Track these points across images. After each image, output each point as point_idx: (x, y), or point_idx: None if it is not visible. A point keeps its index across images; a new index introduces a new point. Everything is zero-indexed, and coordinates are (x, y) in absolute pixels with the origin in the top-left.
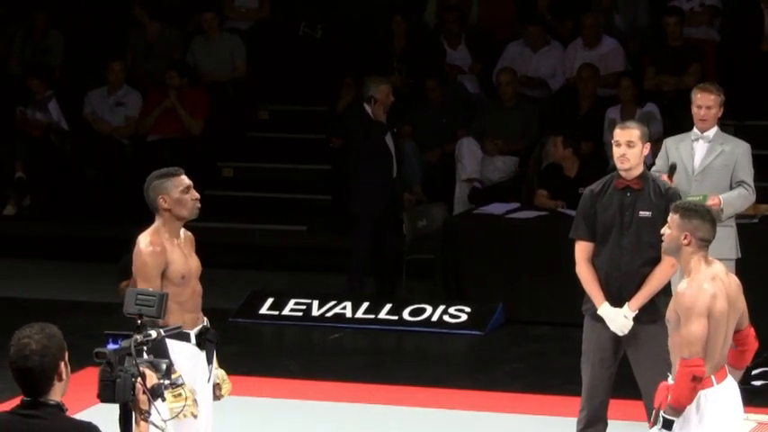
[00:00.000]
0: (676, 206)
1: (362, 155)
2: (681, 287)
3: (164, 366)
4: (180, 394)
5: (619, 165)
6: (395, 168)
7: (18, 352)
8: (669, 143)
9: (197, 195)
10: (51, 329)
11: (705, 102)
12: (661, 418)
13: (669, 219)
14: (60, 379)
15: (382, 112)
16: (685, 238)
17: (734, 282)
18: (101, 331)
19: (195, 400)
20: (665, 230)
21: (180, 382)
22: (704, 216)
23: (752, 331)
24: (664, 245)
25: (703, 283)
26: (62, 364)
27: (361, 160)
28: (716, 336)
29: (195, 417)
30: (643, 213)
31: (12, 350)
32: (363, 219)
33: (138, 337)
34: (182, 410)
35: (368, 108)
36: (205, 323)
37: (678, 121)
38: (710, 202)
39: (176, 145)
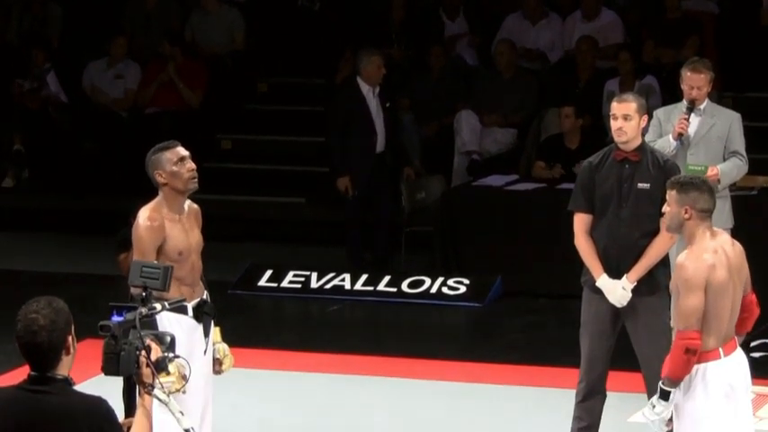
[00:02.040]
0: (672, 182)
1: (344, 128)
2: (680, 258)
3: (168, 339)
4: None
5: (616, 138)
6: (379, 143)
7: (26, 327)
8: (660, 114)
9: (193, 166)
10: (58, 303)
11: (696, 83)
12: (659, 389)
13: (667, 196)
14: (68, 353)
15: (372, 83)
16: (686, 212)
17: (738, 249)
18: (99, 303)
19: (184, 376)
20: (665, 209)
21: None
22: (701, 187)
23: (754, 297)
24: (666, 223)
25: (703, 254)
26: (69, 339)
27: (342, 134)
28: (720, 307)
29: (183, 392)
30: (641, 185)
31: (19, 325)
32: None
33: (143, 310)
34: (167, 387)
35: (360, 81)
36: (204, 296)
37: (677, 93)
38: (710, 172)
39: (175, 118)
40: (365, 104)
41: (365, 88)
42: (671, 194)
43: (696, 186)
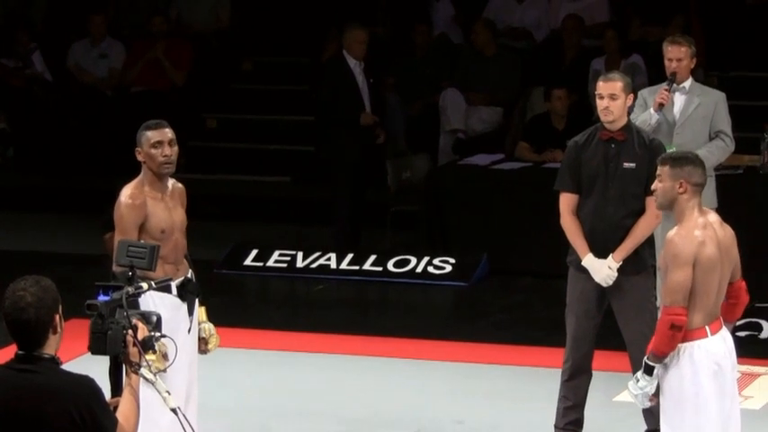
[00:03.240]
0: (664, 158)
1: (334, 103)
2: (670, 234)
3: (154, 318)
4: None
5: (602, 117)
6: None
7: (13, 304)
8: (645, 94)
9: (168, 153)
10: (46, 282)
11: (676, 54)
12: (643, 364)
13: (659, 172)
14: (55, 332)
15: (357, 57)
16: (680, 186)
17: (728, 231)
18: (84, 283)
19: (166, 355)
20: (655, 186)
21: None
22: (695, 161)
23: (743, 284)
24: (658, 200)
25: (693, 231)
26: (57, 317)
27: (332, 109)
28: (708, 283)
29: (164, 372)
30: (627, 164)
31: (6, 302)
32: (338, 168)
33: (130, 289)
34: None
35: (346, 55)
36: (188, 275)
37: (663, 72)
38: None
39: (160, 97)
40: (353, 78)
41: (352, 62)
42: (663, 170)
43: (690, 160)
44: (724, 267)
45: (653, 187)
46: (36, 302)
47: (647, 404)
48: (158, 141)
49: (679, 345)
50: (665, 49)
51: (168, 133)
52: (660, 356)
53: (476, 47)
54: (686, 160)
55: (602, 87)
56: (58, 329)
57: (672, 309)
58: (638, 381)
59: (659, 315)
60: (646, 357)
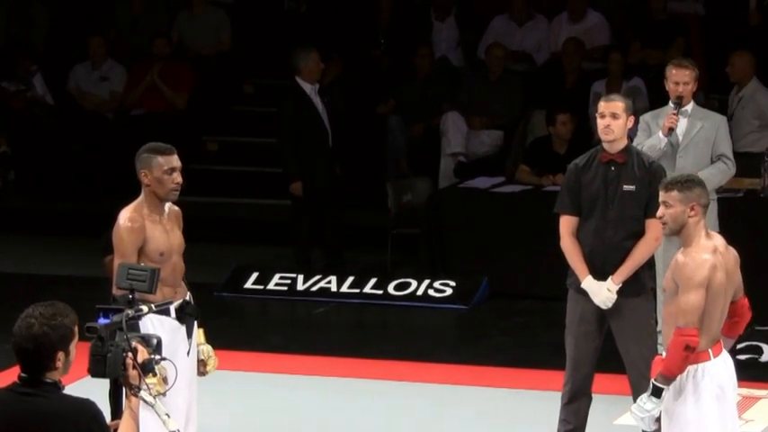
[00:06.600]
0: (669, 184)
1: (294, 129)
2: (680, 257)
3: (154, 341)
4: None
5: (603, 136)
6: (330, 140)
7: (20, 330)
8: (648, 118)
9: (179, 180)
10: (62, 320)
11: (681, 78)
12: (651, 386)
13: (666, 198)
14: (55, 368)
15: (313, 80)
16: (692, 209)
17: (732, 254)
18: (85, 306)
19: (165, 379)
20: (662, 212)
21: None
22: (700, 182)
23: (746, 302)
24: (668, 226)
25: (704, 254)
26: (60, 354)
27: (293, 134)
28: (713, 308)
29: (164, 395)
30: (627, 187)
31: (16, 325)
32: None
33: (130, 312)
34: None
35: (300, 81)
36: (186, 297)
37: (663, 95)
38: None
39: (160, 119)
40: (312, 104)
41: (307, 87)
42: (671, 195)
43: (697, 182)
44: (728, 292)
45: (659, 214)
46: (40, 336)
47: (653, 427)
48: (172, 168)
49: None
50: (670, 72)
51: (177, 160)
52: (670, 378)
53: (488, 69)
54: (693, 182)
55: (604, 106)
56: (59, 365)
57: (686, 330)
58: (644, 403)
59: (658, 338)
60: (654, 379)
